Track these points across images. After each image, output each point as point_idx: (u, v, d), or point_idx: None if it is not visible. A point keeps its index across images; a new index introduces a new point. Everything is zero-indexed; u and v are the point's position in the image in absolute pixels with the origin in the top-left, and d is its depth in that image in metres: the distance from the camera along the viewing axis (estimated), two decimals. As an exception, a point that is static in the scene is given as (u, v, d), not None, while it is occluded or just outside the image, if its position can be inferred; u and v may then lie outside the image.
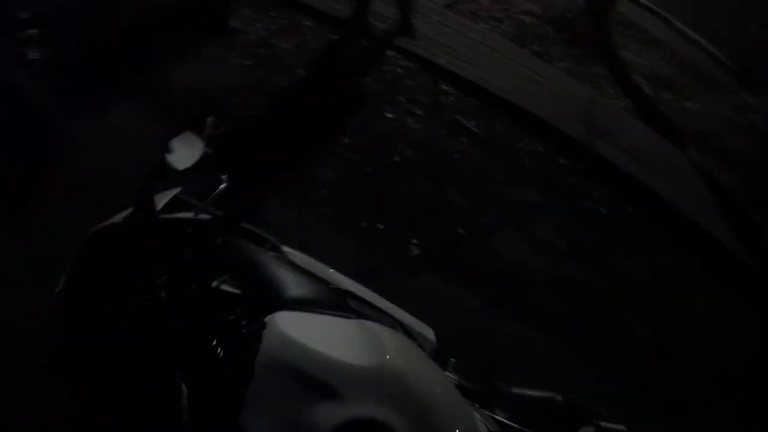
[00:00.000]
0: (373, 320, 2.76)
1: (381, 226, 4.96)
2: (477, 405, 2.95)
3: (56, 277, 2.76)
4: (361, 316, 2.76)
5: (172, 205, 2.95)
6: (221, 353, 2.34)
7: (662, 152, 6.86)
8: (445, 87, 6.48)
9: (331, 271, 3.04)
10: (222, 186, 3.07)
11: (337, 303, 2.76)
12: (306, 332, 2.40)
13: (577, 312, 4.90)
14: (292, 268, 2.82)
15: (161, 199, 2.91)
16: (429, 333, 3.11)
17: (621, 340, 4.86)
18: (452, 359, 3.17)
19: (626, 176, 6.21)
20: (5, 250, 4.18)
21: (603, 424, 2.95)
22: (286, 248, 3.01)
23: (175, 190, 3.01)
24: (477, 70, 6.71)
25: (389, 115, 5.98)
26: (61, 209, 4.47)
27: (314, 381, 2.27)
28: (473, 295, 4.66)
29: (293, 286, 2.68)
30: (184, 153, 2.87)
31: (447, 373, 2.95)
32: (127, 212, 2.86)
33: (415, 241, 4.92)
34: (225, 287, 2.58)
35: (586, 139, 6.37)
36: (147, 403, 2.42)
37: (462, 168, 5.70)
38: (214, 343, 2.36)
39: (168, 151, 2.87)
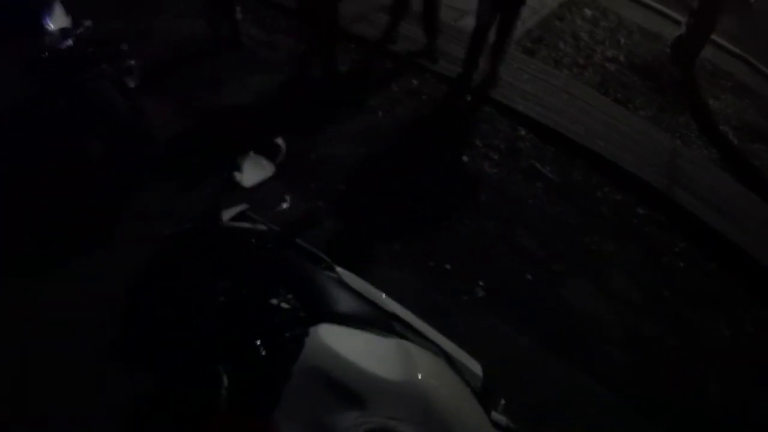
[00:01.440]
0: (409, 341, 2.77)
1: (448, 266, 4.84)
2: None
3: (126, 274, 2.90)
4: (403, 338, 2.77)
5: (239, 219, 3.08)
6: (264, 352, 2.47)
7: (748, 206, 6.40)
8: (523, 132, 6.30)
9: (384, 296, 3.07)
10: (284, 205, 3.16)
11: (381, 323, 2.81)
12: (344, 344, 2.48)
13: (647, 368, 4.58)
14: (341, 287, 2.92)
15: (228, 213, 3.05)
16: (476, 368, 3.06)
17: (691, 400, 4.49)
18: (503, 400, 3.10)
19: (709, 229, 5.80)
20: (90, 249, 4.41)
21: None
22: (339, 269, 3.07)
23: (243, 206, 3.13)
24: (556, 116, 6.50)
25: (465, 159, 5.86)
26: (136, 219, 4.67)
27: (344, 389, 2.34)
28: (536, 342, 4.46)
29: (340, 302, 2.79)
30: (252, 172, 2.99)
31: (494, 413, 2.88)
32: (196, 221, 3.04)
33: (481, 283, 4.77)
34: (277, 296, 2.66)
35: (668, 189, 6.03)
36: (191, 389, 2.59)
37: (536, 214, 5.49)
38: (259, 342, 2.49)
39: (237, 169, 2.99)
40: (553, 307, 4.78)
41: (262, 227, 2.99)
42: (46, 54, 5.05)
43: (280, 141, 3.27)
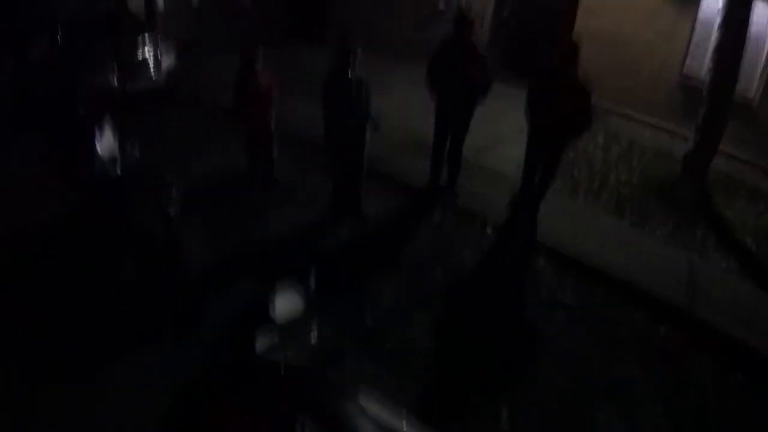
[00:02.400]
0: None
1: (472, 397, 4.96)
2: None
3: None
4: None
5: (269, 349, 3.34)
6: None
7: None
8: (542, 263, 6.53)
9: (405, 423, 3.18)
10: (314, 335, 3.35)
11: None
12: None
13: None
14: (366, 416, 3.00)
15: (261, 343, 3.33)
16: None
17: None
18: None
19: (733, 342, 5.79)
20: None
21: None
22: (364, 398, 3.17)
23: (273, 337, 3.33)
24: (574, 244, 6.74)
25: (486, 293, 6.09)
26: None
27: None
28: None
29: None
30: (285, 307, 3.21)
31: None
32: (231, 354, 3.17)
33: (505, 413, 4.85)
34: (305, 424, 2.74)
35: (688, 306, 6.10)
36: None
37: (559, 342, 5.61)
38: None
39: (272, 302, 3.21)
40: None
41: (291, 358, 3.19)
42: (94, 178, 5.44)
43: (311, 278, 3.49)
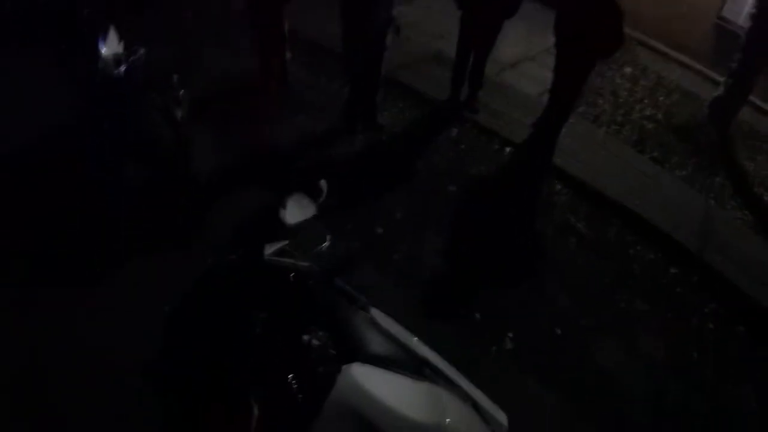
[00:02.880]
0: (440, 387, 2.78)
1: (478, 316, 4.82)
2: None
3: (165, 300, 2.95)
4: (432, 383, 2.77)
5: (279, 254, 3.04)
6: (295, 386, 2.47)
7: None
8: (559, 187, 6.27)
9: (415, 339, 3.07)
10: (325, 244, 3.19)
11: (412, 366, 2.80)
12: (375, 384, 2.49)
13: (670, 432, 4.45)
14: (375, 328, 2.91)
15: (270, 248, 3.01)
16: (502, 417, 3.06)
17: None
18: None
19: (739, 293, 5.65)
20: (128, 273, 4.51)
21: None
22: (374, 310, 3.06)
23: (283, 243, 3.12)
24: (593, 172, 6.46)
25: (499, 210, 5.84)
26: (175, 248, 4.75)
27: (373, 428, 2.36)
28: (561, 398, 4.40)
29: (373, 343, 2.79)
30: (296, 211, 3.01)
31: None
32: (239, 253, 3.04)
33: (510, 334, 4.73)
34: (311, 332, 2.66)
35: (700, 250, 5.91)
36: (221, 414, 2.54)
37: (568, 269, 5.43)
38: (291, 375, 2.49)
39: (282, 206, 3.02)
40: (581, 364, 4.71)
41: (302, 264, 2.98)
42: (98, 77, 5.14)
43: (322, 183, 3.29)
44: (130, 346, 3.51)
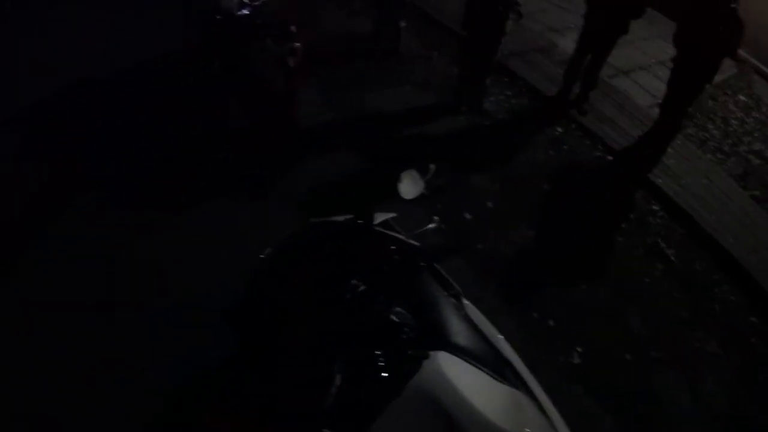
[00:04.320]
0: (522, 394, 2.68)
1: (552, 323, 4.67)
2: None
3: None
4: (512, 385, 2.67)
5: (385, 225, 3.04)
6: (381, 364, 2.37)
7: None
8: (655, 207, 5.97)
9: (501, 338, 2.99)
10: (431, 225, 3.16)
11: (496, 366, 2.69)
12: (461, 378, 2.37)
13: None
14: (465, 319, 2.81)
15: (378, 218, 2.99)
16: None
17: None
18: None
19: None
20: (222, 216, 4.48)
21: None
22: (467, 302, 2.99)
23: (391, 215, 3.06)
24: (692, 199, 6.13)
25: (592, 220, 5.61)
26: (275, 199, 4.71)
27: (451, 422, 2.23)
28: (618, 424, 4.23)
29: (462, 334, 2.67)
30: (409, 186, 2.92)
31: None
32: (347, 216, 2.99)
33: (579, 349, 4.57)
34: (404, 311, 2.57)
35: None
36: (303, 380, 2.49)
37: (649, 294, 5.19)
38: (379, 353, 2.40)
39: (398, 179, 2.94)
40: (643, 394, 4.52)
41: (410, 241, 2.90)
42: (219, 16, 5.10)
43: (431, 166, 3.19)
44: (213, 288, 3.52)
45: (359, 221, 2.90)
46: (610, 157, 6.35)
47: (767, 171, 7.28)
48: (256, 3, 5.26)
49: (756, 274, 5.65)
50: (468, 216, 5.17)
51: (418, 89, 6.42)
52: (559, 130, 6.49)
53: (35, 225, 4.45)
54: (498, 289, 4.68)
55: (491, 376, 2.59)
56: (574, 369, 4.44)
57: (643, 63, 8.21)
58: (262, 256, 3.01)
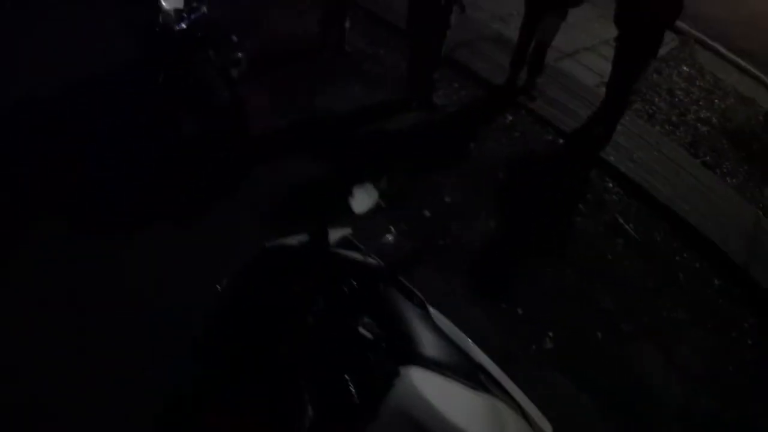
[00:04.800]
0: (499, 400, 2.63)
1: (520, 311, 4.65)
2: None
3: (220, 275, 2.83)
4: (487, 392, 2.62)
5: (341, 243, 2.93)
6: (351, 386, 2.28)
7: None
8: (611, 185, 6.04)
9: (470, 342, 2.92)
10: (389, 237, 3.09)
11: (469, 373, 2.63)
12: (435, 392, 2.32)
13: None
14: (433, 328, 2.74)
15: (333, 235, 2.88)
16: (547, 427, 2.91)
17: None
18: None
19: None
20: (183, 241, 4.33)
21: None
22: (432, 309, 2.90)
23: (347, 230, 3.01)
24: (645, 173, 6.22)
25: (550, 203, 5.65)
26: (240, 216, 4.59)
27: None
28: (596, 402, 4.24)
29: (431, 345, 2.59)
30: (363, 200, 2.86)
31: None
32: (301, 237, 2.89)
33: (551, 333, 4.57)
34: (369, 327, 2.49)
35: (745, 263, 5.66)
36: (273, 410, 2.36)
37: (613, 270, 5.24)
38: (347, 375, 2.31)
39: (350, 194, 2.87)
40: (618, 368, 4.55)
41: (371, 261, 2.83)
42: (158, 29, 5.02)
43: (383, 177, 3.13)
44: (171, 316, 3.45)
45: (314, 243, 2.83)
46: (562, 140, 6.39)
47: (715, 137, 7.43)
48: (196, 15, 5.19)
49: (714, 237, 5.76)
50: (427, 213, 5.14)
51: (367, 88, 6.39)
52: (510, 117, 6.51)
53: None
54: (464, 282, 4.66)
55: (466, 385, 2.54)
56: (547, 354, 4.44)
57: (586, 44, 8.31)
58: (218, 287, 2.94)
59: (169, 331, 3.45)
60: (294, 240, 2.93)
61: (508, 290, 4.78)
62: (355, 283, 2.64)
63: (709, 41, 9.45)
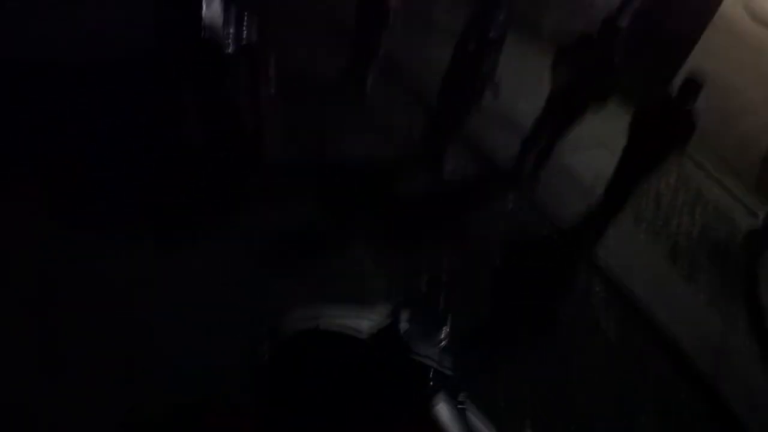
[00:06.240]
0: None
1: (502, 403, 4.82)
2: None
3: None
4: None
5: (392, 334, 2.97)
6: None
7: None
8: (596, 287, 6.38)
9: None
10: (444, 338, 3.15)
11: None
12: None
13: None
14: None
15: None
16: None
17: None
18: None
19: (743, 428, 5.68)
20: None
21: None
22: (471, 409, 3.09)
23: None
24: (628, 277, 6.56)
25: (536, 300, 5.91)
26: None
27: None
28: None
29: None
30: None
31: None
32: (363, 325, 2.97)
33: (528, 422, 4.73)
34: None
35: (712, 378, 5.96)
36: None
37: (591, 370, 5.51)
38: None
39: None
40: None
41: (445, 370, 2.95)
42: (202, 46, 5.07)
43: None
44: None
45: (383, 339, 2.91)
46: (556, 235, 6.71)
47: (693, 249, 7.80)
48: (247, 36, 5.26)
49: (686, 348, 6.08)
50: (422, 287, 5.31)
51: (382, 139, 6.65)
52: (511, 204, 6.83)
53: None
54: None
55: None
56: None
57: (589, 141, 8.65)
58: (263, 353, 3.02)
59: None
60: (352, 328, 2.99)
61: (491, 380, 4.95)
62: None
63: (697, 155, 9.90)
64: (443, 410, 2.91)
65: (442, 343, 3.07)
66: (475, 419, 3.09)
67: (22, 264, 4.28)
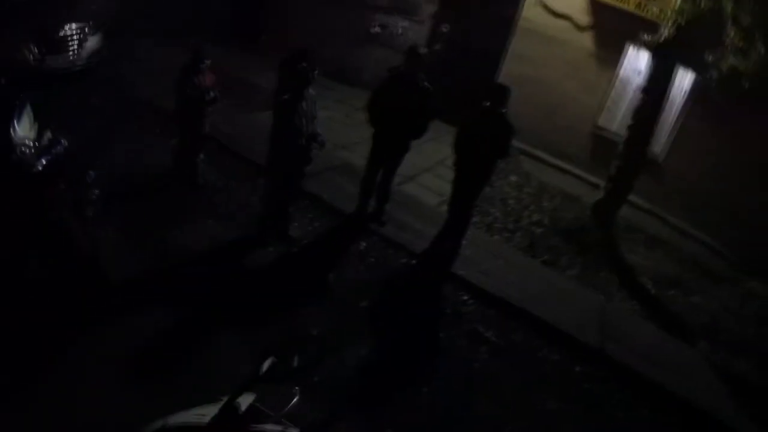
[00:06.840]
0: None
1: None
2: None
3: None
4: None
5: (249, 412, 2.81)
6: None
7: (674, 350, 6.67)
8: (465, 297, 6.42)
9: None
10: (295, 399, 2.95)
11: None
12: None
13: None
14: None
15: (242, 403, 2.77)
16: None
17: None
18: None
19: (641, 378, 5.92)
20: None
21: None
22: None
23: (251, 397, 2.91)
24: (494, 281, 6.70)
25: (411, 325, 5.88)
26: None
27: None
28: None
29: None
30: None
31: None
32: (207, 410, 2.79)
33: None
34: None
35: (600, 344, 6.18)
36: None
37: (483, 376, 5.49)
38: None
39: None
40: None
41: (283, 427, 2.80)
42: (12, 162, 4.81)
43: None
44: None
45: (225, 419, 2.74)
46: (414, 261, 6.75)
47: (549, 236, 8.16)
48: (55, 150, 5.03)
49: (568, 329, 6.26)
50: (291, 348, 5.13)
51: (222, 223, 6.47)
52: (364, 244, 6.82)
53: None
54: (339, 413, 4.62)
55: None
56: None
57: (424, 166, 8.95)
58: None
59: None
60: (198, 415, 2.82)
61: (383, 412, 4.79)
62: None
63: (532, 150, 10.51)
64: None
65: (288, 409, 2.91)
66: None
67: None
